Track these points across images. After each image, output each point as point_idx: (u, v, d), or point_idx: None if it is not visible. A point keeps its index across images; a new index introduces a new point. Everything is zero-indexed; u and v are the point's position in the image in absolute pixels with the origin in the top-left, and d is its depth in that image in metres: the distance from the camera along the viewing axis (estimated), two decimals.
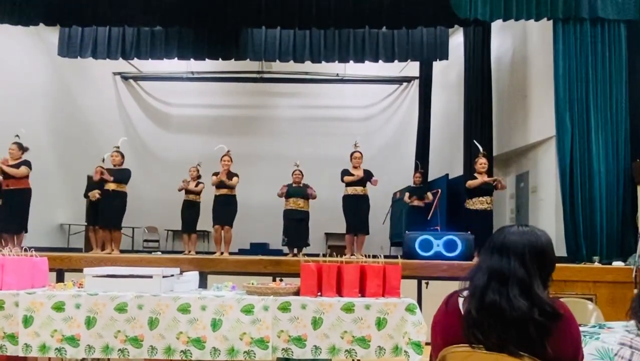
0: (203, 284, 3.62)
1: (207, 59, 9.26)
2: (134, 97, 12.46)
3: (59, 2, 7.36)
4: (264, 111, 12.36)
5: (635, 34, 6.34)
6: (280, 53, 8.76)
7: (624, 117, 6.25)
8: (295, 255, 7.01)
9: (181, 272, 3.24)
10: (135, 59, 9.57)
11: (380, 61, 9.03)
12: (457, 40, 9.50)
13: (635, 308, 1.62)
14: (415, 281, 5.32)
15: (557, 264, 1.65)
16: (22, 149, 6.71)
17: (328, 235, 11.01)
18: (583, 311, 2.98)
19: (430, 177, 9.94)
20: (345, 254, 6.46)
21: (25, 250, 3.17)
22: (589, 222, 6.08)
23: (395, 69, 11.06)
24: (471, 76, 8.71)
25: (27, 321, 2.85)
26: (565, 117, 6.24)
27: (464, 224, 6.74)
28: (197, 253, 7.71)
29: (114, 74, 11.94)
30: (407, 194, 8.23)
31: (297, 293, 2.92)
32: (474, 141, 7.09)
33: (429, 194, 8.09)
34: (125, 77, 12.20)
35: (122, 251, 7.36)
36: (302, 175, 7.39)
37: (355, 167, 6.98)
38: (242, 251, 9.12)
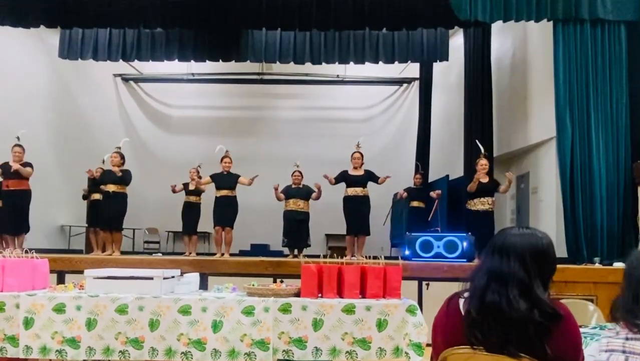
0: (204, 285, 3.62)
1: (207, 61, 9.27)
2: (134, 99, 12.47)
3: (59, 4, 7.37)
4: (264, 112, 12.36)
5: (636, 34, 6.34)
6: (281, 54, 8.76)
7: (624, 118, 6.25)
8: (295, 256, 7.00)
9: (182, 273, 3.24)
10: (135, 60, 9.58)
11: (380, 62, 9.03)
12: (457, 41, 9.51)
13: (626, 308, 1.55)
14: (415, 283, 5.32)
15: (557, 265, 1.65)
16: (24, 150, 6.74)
17: (328, 236, 11.01)
18: (584, 312, 2.98)
19: (431, 179, 9.93)
20: (345, 256, 6.46)
21: (26, 252, 3.18)
22: (589, 223, 6.07)
23: (395, 70, 11.06)
24: (471, 77, 8.71)
25: (27, 323, 2.85)
26: (566, 118, 6.24)
27: (465, 225, 6.73)
28: (197, 254, 7.71)
29: (115, 75, 11.95)
30: (404, 193, 8.17)
31: (297, 294, 2.92)
32: (477, 141, 7.09)
33: (433, 194, 8.03)
34: (125, 79, 12.21)
35: (122, 253, 7.36)
36: (302, 176, 7.39)
37: (355, 168, 6.98)
38: (242, 253, 9.11)
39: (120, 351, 2.81)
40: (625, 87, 6.26)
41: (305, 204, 7.30)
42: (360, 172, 6.96)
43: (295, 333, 2.79)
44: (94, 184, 7.86)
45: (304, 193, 7.28)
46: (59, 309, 2.86)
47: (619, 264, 5.52)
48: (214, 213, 7.16)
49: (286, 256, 7.31)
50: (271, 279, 5.10)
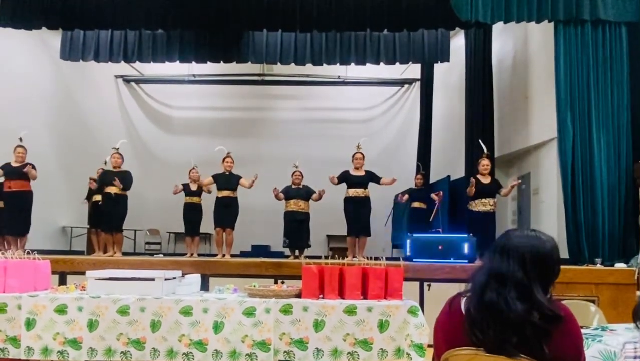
0: (205, 286, 3.62)
1: (208, 62, 9.27)
2: (135, 100, 12.48)
3: (61, 6, 7.38)
4: (265, 113, 12.37)
5: (637, 35, 6.34)
6: (282, 55, 8.76)
7: (625, 119, 6.24)
8: (296, 257, 7.00)
9: (183, 275, 3.25)
10: (137, 62, 9.59)
11: (381, 63, 9.03)
12: (458, 42, 9.51)
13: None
14: (417, 284, 5.31)
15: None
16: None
17: (329, 237, 11.00)
18: (585, 313, 2.97)
19: (432, 179, 9.93)
20: (346, 257, 6.46)
21: (28, 253, 3.18)
22: (591, 223, 6.06)
23: (396, 71, 11.06)
24: (472, 78, 8.71)
25: (29, 324, 2.85)
26: (567, 118, 6.24)
27: (466, 226, 6.73)
28: (198, 255, 7.71)
29: (116, 77, 11.96)
30: (404, 196, 8.18)
31: (299, 295, 2.92)
32: (480, 141, 7.09)
33: (433, 195, 8.04)
34: (127, 80, 12.22)
35: (124, 254, 7.36)
36: (302, 176, 7.40)
37: (356, 169, 6.98)
38: (243, 253, 9.11)
39: (121, 353, 2.81)
40: (627, 87, 6.26)
41: (306, 205, 7.30)
42: (361, 173, 6.96)
43: (297, 334, 2.79)
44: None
45: (305, 193, 7.29)
46: (61, 310, 2.86)
47: (620, 265, 5.52)
48: (214, 214, 7.16)
49: (287, 257, 7.31)
50: (272, 280, 5.10)
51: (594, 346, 1.94)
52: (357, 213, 6.89)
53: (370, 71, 10.70)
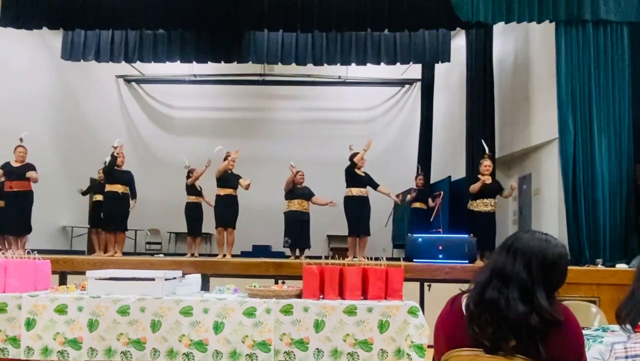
0: (205, 286, 3.62)
1: (209, 62, 9.27)
2: (136, 100, 12.49)
3: (62, 6, 7.39)
4: (266, 113, 12.37)
5: (638, 35, 6.33)
6: (283, 56, 8.76)
7: (626, 119, 6.23)
8: (297, 257, 7.00)
9: (183, 275, 3.25)
10: (138, 62, 9.59)
11: (382, 63, 9.02)
12: (459, 42, 9.50)
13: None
14: (417, 284, 5.31)
15: None
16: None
17: (330, 237, 11.00)
18: (586, 314, 2.97)
19: (433, 180, 9.92)
20: (347, 257, 6.46)
21: (28, 253, 3.18)
22: (592, 224, 6.05)
23: (397, 71, 11.06)
24: (473, 78, 8.70)
25: (29, 324, 2.85)
26: (568, 119, 6.23)
27: (467, 226, 6.72)
28: (199, 255, 7.71)
29: (117, 77, 11.97)
30: (413, 193, 8.19)
31: (299, 295, 2.92)
32: (482, 141, 7.09)
33: (430, 200, 8.09)
34: (128, 80, 12.24)
35: (124, 254, 7.36)
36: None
37: (359, 168, 6.98)
38: (244, 254, 9.11)
39: (122, 352, 2.81)
40: (628, 88, 6.25)
41: (308, 205, 7.31)
42: (362, 173, 6.96)
43: (297, 335, 2.79)
44: (98, 185, 7.88)
45: (307, 194, 7.30)
46: (61, 310, 2.86)
47: (621, 266, 5.51)
48: (215, 213, 7.16)
49: (288, 257, 7.30)
50: (273, 280, 5.10)
51: (595, 346, 1.94)
52: (360, 212, 6.89)
53: (371, 71, 10.70)
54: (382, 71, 10.72)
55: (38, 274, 3.13)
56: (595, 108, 6.20)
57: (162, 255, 8.26)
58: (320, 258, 3.14)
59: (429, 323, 2.50)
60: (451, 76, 10.43)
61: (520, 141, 8.22)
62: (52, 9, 7.37)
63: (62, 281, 5.08)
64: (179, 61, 9.11)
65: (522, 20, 6.46)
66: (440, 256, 6.12)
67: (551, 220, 7.26)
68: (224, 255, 6.97)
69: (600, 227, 6.01)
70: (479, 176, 6.59)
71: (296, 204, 7.21)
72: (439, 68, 10.36)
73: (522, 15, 6.39)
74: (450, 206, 8.61)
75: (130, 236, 10.12)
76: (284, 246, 7.60)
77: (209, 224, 7.61)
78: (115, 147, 7.25)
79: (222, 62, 9.11)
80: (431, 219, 7.76)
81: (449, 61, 9.29)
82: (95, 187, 8.40)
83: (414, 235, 6.63)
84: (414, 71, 11.20)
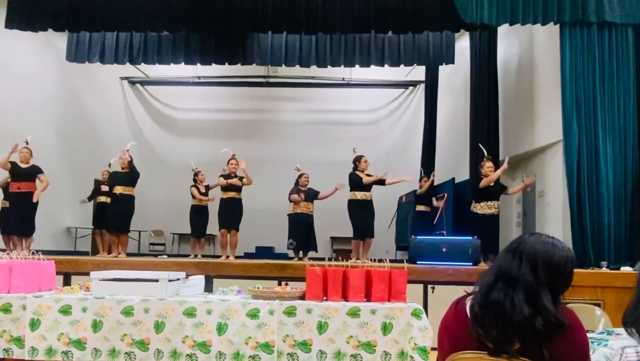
0: (209, 288, 3.63)
1: (213, 64, 9.29)
2: (141, 102, 12.53)
3: (67, 8, 7.43)
4: (269, 115, 12.38)
5: None
6: (287, 58, 8.78)
7: (631, 121, 6.20)
8: (300, 259, 7.00)
9: (187, 276, 3.25)
10: (142, 64, 9.63)
11: (386, 65, 9.02)
12: (463, 44, 9.49)
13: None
14: (421, 286, 5.30)
15: None
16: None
17: (333, 239, 10.99)
18: (591, 317, 2.96)
19: (436, 182, 9.88)
20: (350, 259, 6.45)
21: (33, 253, 3.19)
22: (596, 226, 6.03)
23: (401, 73, 11.05)
24: (477, 80, 8.69)
25: (34, 325, 2.86)
26: (573, 121, 6.21)
27: (471, 229, 6.70)
28: (203, 256, 7.73)
29: (122, 78, 12.01)
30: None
31: (302, 297, 2.92)
32: (480, 144, 7.08)
33: (434, 200, 8.08)
34: (132, 82, 12.28)
35: (128, 255, 7.38)
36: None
37: (362, 171, 6.99)
38: (247, 255, 9.11)
39: (125, 353, 2.82)
40: (633, 90, 6.22)
41: (313, 207, 7.32)
42: (365, 176, 6.96)
43: (300, 336, 2.79)
44: (100, 186, 7.91)
45: (312, 196, 7.30)
46: (65, 310, 2.87)
47: (626, 269, 5.48)
48: (219, 216, 7.17)
49: (291, 258, 7.31)
50: (276, 282, 5.10)
51: (600, 350, 1.93)
52: (365, 216, 6.89)
53: (374, 73, 10.69)
54: (386, 72, 10.71)
55: (42, 274, 3.14)
56: (600, 110, 6.18)
57: (165, 256, 8.28)
58: (323, 259, 3.14)
59: (433, 325, 2.49)
60: (455, 77, 10.42)
61: (525, 143, 8.20)
62: (57, 11, 7.41)
63: (67, 282, 5.10)
64: (183, 63, 9.14)
65: (526, 22, 6.45)
66: (444, 258, 6.10)
67: (555, 222, 7.23)
68: (227, 256, 6.98)
69: (604, 229, 5.99)
70: (482, 177, 6.57)
71: (301, 206, 7.21)
72: (443, 70, 10.35)
73: (526, 17, 6.37)
74: (453, 208, 8.59)
75: (134, 237, 10.14)
76: (288, 248, 7.61)
77: (213, 226, 7.62)
78: (127, 150, 7.27)
79: (226, 64, 9.14)
80: (435, 221, 7.75)
81: (453, 62, 9.28)
82: (98, 189, 8.44)
83: (418, 237, 6.62)
84: (418, 72, 11.19)
